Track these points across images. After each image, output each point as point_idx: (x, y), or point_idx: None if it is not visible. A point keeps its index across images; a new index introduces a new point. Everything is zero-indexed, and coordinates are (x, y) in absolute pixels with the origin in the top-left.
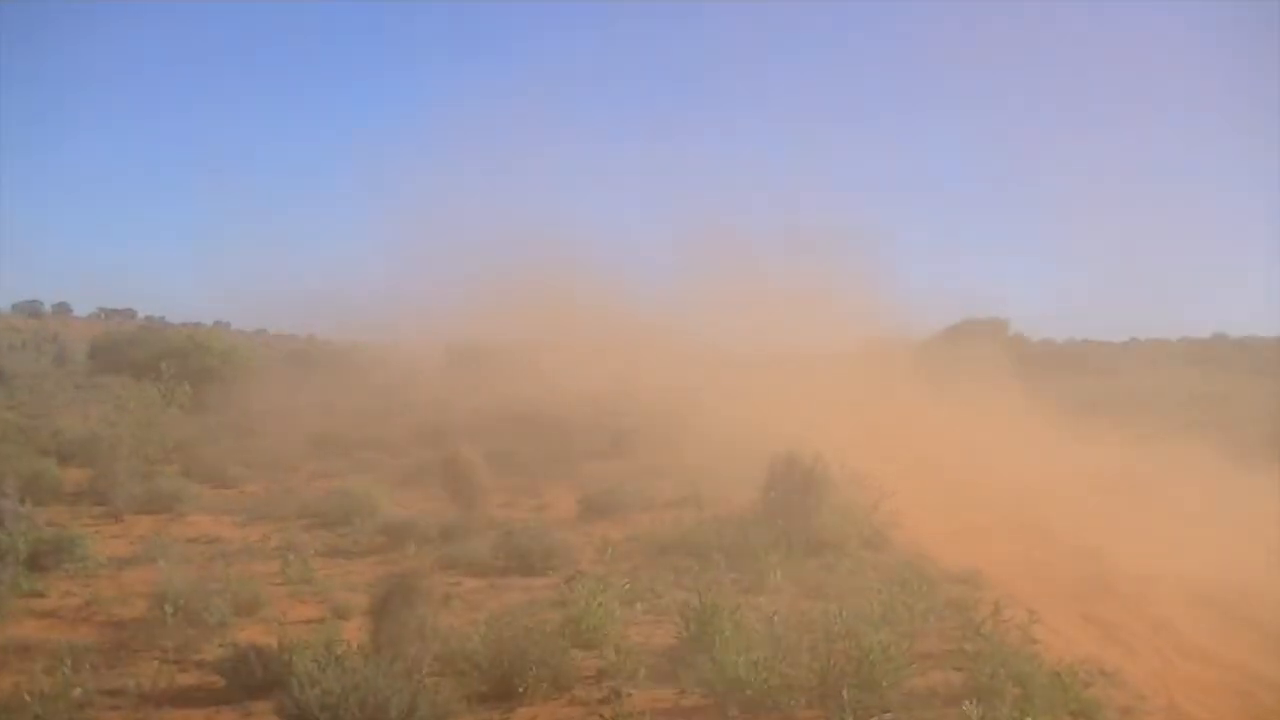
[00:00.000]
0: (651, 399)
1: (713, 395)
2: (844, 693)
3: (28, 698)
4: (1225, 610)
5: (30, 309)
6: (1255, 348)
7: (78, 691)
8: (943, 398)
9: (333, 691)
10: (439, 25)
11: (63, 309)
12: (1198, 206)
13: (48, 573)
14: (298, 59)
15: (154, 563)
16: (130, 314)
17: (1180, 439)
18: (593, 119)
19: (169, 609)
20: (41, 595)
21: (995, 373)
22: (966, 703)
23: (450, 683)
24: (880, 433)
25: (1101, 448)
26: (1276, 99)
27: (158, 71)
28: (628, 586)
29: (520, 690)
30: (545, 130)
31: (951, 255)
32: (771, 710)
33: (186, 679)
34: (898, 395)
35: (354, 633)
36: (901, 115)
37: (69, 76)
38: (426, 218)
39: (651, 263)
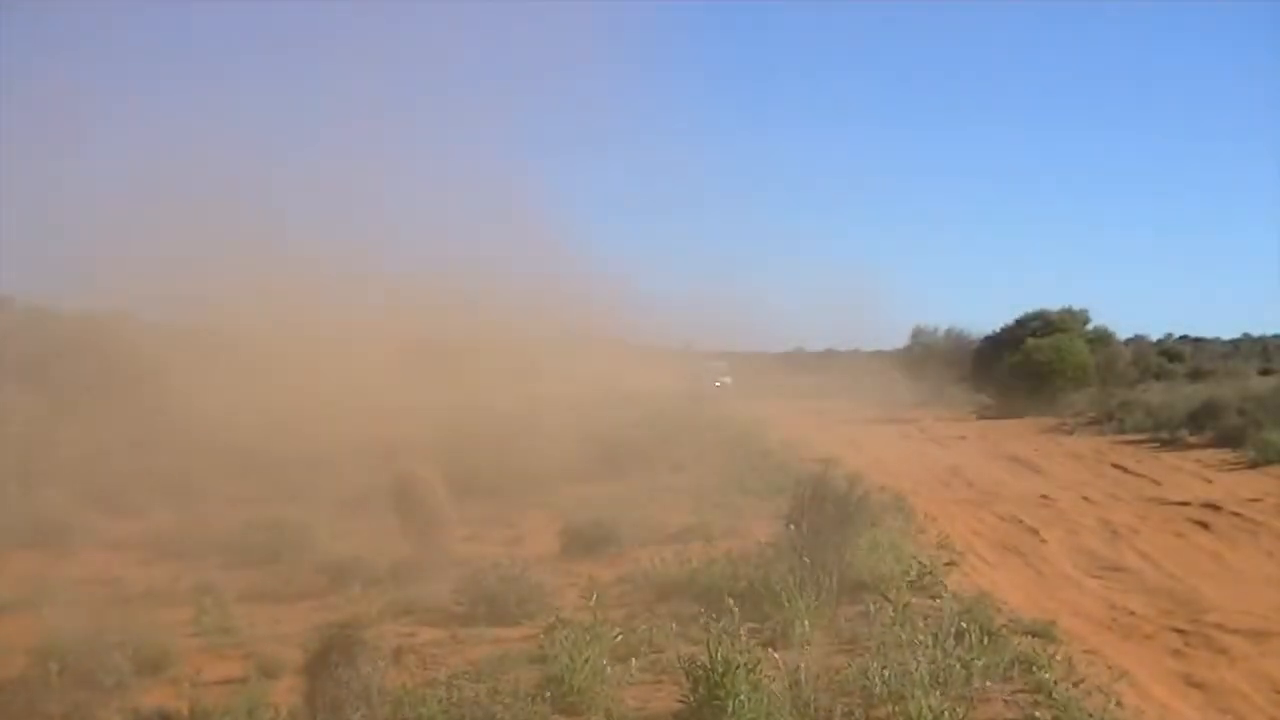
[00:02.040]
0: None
1: None
2: None
3: None
4: None
5: None
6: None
7: None
8: None
9: None
10: None
11: None
12: None
13: None
14: None
15: (37, 609)
16: (8, 302)
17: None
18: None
19: (55, 667)
20: None
21: None
22: None
23: None
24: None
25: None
26: None
27: None
28: (620, 638)
29: None
30: None
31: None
32: None
33: None
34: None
35: (284, 695)
36: None
37: None
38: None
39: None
